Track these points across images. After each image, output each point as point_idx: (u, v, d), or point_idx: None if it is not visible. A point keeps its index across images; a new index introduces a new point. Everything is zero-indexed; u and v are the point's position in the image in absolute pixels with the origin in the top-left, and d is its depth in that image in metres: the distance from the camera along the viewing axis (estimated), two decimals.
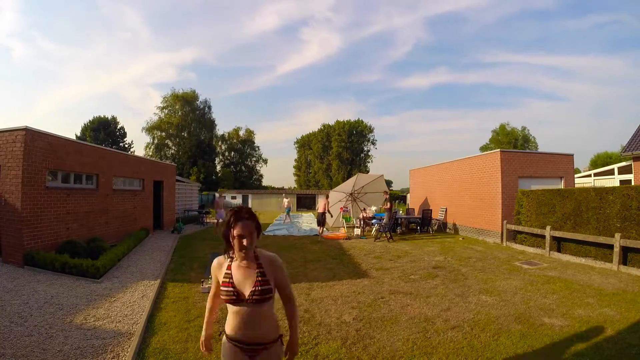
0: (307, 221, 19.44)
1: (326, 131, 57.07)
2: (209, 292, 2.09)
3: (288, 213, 20.04)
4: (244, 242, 1.71)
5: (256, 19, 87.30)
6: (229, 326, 1.79)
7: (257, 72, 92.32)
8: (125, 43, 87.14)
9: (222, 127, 76.03)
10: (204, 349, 2.03)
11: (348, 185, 15.47)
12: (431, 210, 14.46)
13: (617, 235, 6.95)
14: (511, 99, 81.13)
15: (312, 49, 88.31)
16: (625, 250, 6.98)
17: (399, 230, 13.68)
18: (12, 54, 77.98)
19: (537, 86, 78.37)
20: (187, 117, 46.63)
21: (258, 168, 57.37)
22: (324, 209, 13.51)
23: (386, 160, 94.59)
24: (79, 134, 39.91)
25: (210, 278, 1.99)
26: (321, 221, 13.35)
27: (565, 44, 75.31)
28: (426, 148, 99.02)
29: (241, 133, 55.83)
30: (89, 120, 40.80)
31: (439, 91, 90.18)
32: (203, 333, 2.04)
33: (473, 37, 77.99)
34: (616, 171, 18.63)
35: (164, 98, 46.92)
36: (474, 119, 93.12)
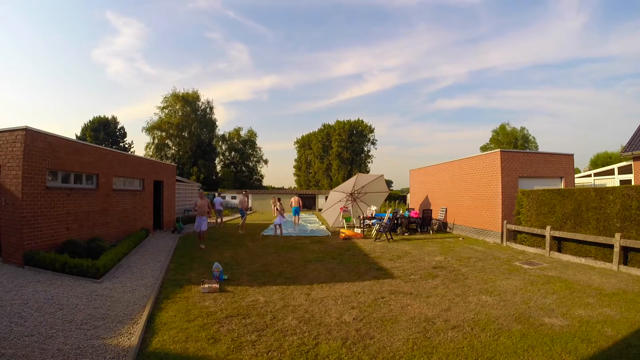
0: (308, 222, 19.23)
1: (326, 131, 56.99)
2: (209, 292, 2.09)
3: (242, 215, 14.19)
4: None
5: (339, 66, 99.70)
6: None
7: (320, 99, 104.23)
8: (217, 71, 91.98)
9: (225, 128, 77.19)
10: None
11: (348, 185, 15.47)
12: (431, 210, 14.48)
13: (617, 235, 6.95)
14: (517, 115, 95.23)
15: (371, 85, 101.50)
16: (625, 250, 6.98)
17: (399, 230, 13.67)
18: (107, 69, 79.65)
19: (539, 108, 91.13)
20: (188, 117, 46.57)
21: (259, 168, 57.46)
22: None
23: (387, 161, 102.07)
24: (79, 134, 39.90)
25: (212, 279, 1.99)
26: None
27: (563, 80, 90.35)
28: (438, 153, 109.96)
29: (242, 133, 55.87)
30: (89, 120, 40.65)
31: (465, 111, 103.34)
32: None
33: (495, 78, 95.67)
34: (616, 171, 18.64)
35: (164, 98, 46.88)
36: (483, 130, 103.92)
